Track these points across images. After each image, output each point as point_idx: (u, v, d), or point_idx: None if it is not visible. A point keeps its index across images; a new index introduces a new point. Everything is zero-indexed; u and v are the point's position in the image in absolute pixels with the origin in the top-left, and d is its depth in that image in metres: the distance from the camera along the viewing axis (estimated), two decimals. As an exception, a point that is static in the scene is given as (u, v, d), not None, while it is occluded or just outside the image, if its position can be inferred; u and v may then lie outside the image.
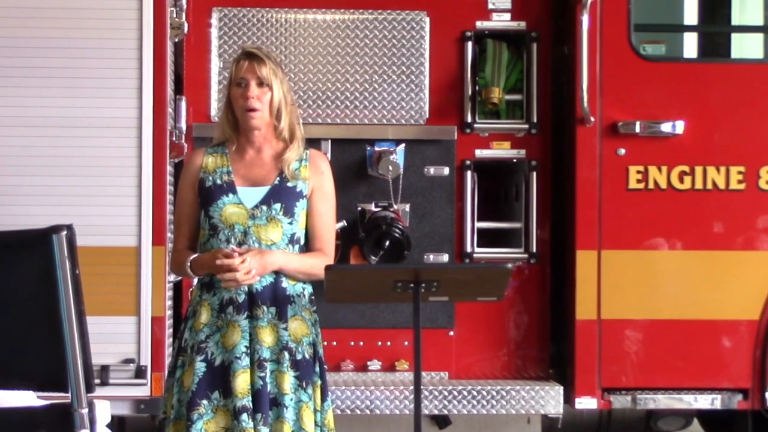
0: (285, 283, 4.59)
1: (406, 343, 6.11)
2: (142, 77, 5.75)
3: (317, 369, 4.61)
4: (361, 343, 6.19)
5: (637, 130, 6.05)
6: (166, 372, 5.04)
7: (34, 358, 3.53)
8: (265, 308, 4.54)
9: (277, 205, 4.58)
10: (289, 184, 4.61)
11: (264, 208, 4.57)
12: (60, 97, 5.74)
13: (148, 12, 5.76)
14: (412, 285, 4.56)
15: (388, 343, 6.19)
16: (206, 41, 6.09)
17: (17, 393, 3.70)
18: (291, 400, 4.49)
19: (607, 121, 6.06)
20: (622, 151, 6.07)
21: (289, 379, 4.50)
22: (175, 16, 5.85)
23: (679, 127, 6.06)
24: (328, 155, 5.98)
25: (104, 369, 5.67)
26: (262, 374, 4.48)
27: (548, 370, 6.29)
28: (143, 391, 5.75)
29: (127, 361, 5.73)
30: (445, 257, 6.19)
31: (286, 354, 4.50)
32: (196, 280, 4.73)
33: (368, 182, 6.15)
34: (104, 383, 5.64)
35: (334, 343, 6.09)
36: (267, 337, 4.51)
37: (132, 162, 5.75)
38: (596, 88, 6.04)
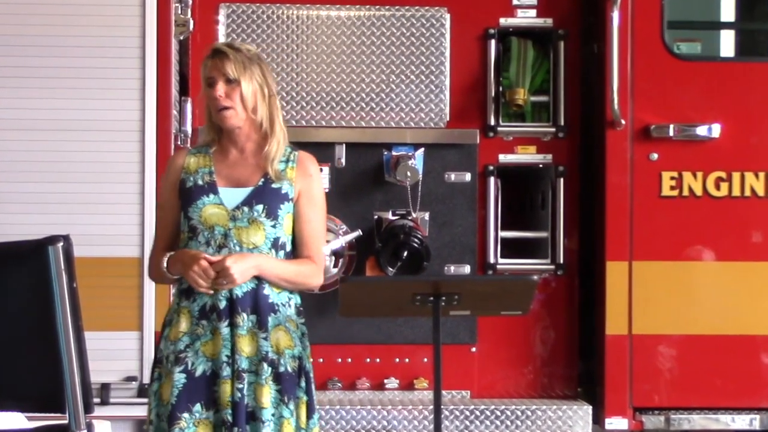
0: (267, 290, 4.48)
1: (426, 359, 6.04)
2: (144, 77, 5.72)
3: (303, 384, 4.51)
4: (378, 360, 6.10)
5: (671, 133, 5.98)
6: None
7: (28, 378, 3.51)
8: (245, 315, 4.43)
9: (260, 207, 4.48)
10: (274, 186, 4.53)
11: (245, 209, 4.48)
12: (58, 98, 5.70)
13: (152, 8, 5.73)
14: (431, 298, 4.51)
15: (407, 360, 6.11)
16: (213, 39, 5.99)
17: (3, 415, 3.66)
18: (272, 415, 4.40)
19: (638, 124, 6.01)
20: (655, 155, 6.00)
21: (269, 393, 4.40)
22: (180, 12, 5.84)
23: (716, 130, 6.00)
24: (343, 160, 6.01)
25: (104, 387, 5.60)
26: (240, 386, 4.39)
27: (576, 389, 6.22)
28: (146, 411, 5.54)
29: (129, 379, 5.68)
30: (467, 269, 6.12)
31: (266, 366, 4.40)
32: (174, 288, 4.64)
33: (385, 189, 6.07)
34: (104, 402, 5.58)
35: (349, 359, 6.04)
36: (246, 347, 4.42)
37: (134, 167, 5.71)
38: (627, 89, 6.00)
